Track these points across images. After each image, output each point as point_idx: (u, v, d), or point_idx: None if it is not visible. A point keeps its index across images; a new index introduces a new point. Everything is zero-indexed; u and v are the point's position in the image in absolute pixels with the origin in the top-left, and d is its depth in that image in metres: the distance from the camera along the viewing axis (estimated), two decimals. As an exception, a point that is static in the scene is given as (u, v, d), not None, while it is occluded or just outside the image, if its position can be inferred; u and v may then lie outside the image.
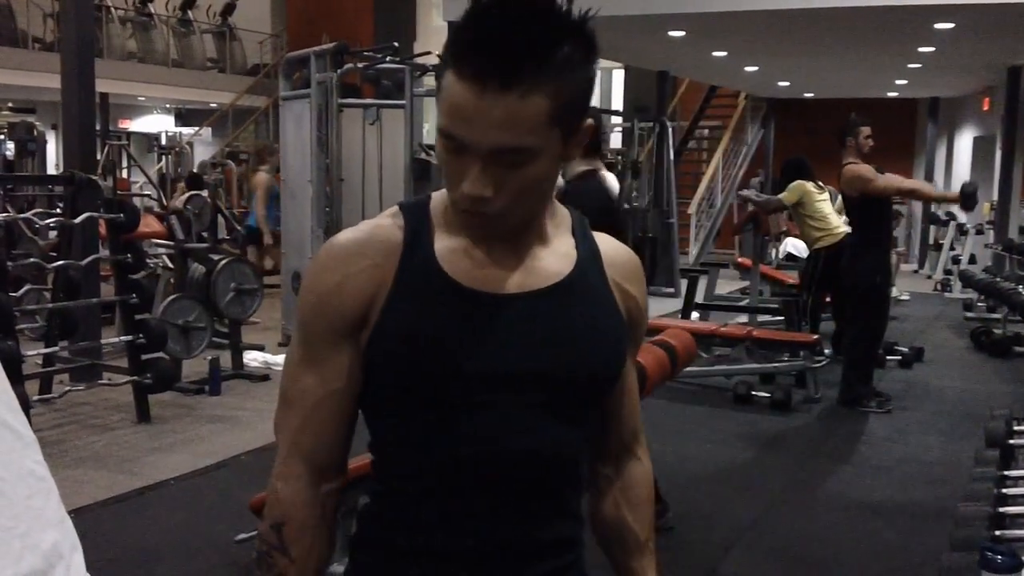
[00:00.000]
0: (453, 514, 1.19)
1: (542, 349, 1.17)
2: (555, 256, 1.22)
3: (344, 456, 1.24)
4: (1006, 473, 3.58)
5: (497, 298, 1.16)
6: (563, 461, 1.22)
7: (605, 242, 1.29)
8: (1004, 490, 3.39)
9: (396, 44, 8.23)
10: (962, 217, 13.69)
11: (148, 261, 7.96)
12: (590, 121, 1.15)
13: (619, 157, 12.90)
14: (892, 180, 6.04)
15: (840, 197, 6.78)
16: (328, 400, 1.19)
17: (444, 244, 1.17)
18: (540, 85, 1.05)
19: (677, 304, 8.81)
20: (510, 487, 1.19)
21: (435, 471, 1.18)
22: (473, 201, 1.10)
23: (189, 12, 17.50)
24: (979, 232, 12.71)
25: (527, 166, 1.09)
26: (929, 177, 17.18)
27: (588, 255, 1.24)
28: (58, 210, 7.04)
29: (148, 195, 13.84)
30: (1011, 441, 3.91)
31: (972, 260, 12.21)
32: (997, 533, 2.99)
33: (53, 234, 7.32)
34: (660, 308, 10.07)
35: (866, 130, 6.12)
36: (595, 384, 1.24)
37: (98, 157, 10.56)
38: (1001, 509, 3.19)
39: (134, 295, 5.61)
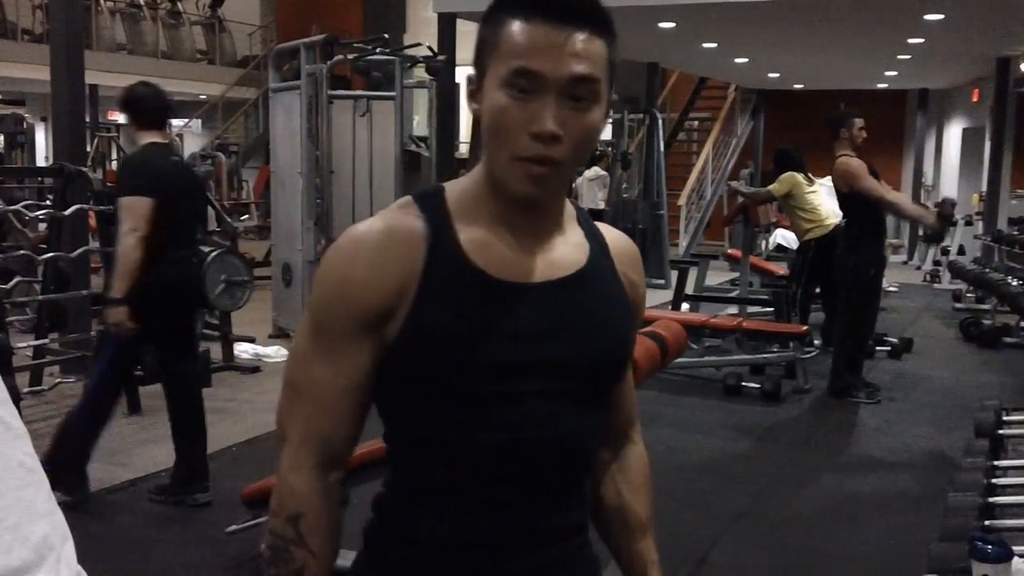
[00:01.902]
0: (477, 503, 1.20)
1: (568, 337, 1.20)
2: (570, 246, 1.24)
3: (353, 448, 1.24)
4: (995, 463, 3.59)
5: (524, 287, 1.18)
6: (585, 448, 1.27)
7: (608, 232, 1.33)
8: (994, 480, 3.40)
9: (386, 35, 8.20)
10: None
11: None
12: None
13: (609, 149, 12.91)
14: (879, 188, 6.02)
15: None
16: (344, 392, 1.18)
17: (467, 235, 1.17)
18: (601, 31, 1.13)
19: (667, 295, 8.82)
20: (534, 475, 1.21)
21: (461, 461, 1.19)
22: (546, 142, 1.11)
23: (178, 3, 17.44)
24: (968, 223, 12.75)
25: (590, 110, 1.14)
26: (919, 169, 17.23)
27: (597, 245, 1.28)
28: (48, 202, 7.01)
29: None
30: (1000, 431, 3.93)
31: (961, 251, 12.26)
32: (987, 523, 3.00)
33: (43, 226, 7.29)
34: (650, 299, 10.04)
35: (859, 122, 6.12)
36: (614, 371, 1.29)
37: (88, 149, 10.52)
38: (991, 499, 3.20)
39: (124, 287, 5.58)
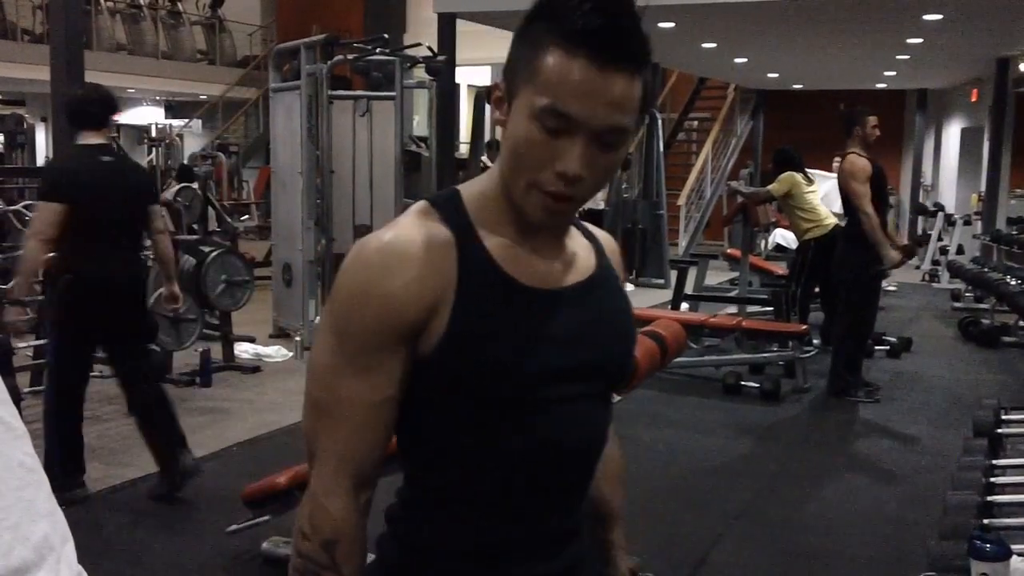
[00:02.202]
0: (510, 510, 1.20)
1: (594, 341, 1.22)
2: (582, 249, 1.26)
3: (382, 466, 1.20)
4: (994, 462, 3.60)
5: (551, 293, 1.19)
6: (602, 448, 1.29)
7: (596, 231, 1.34)
8: (992, 479, 3.41)
9: (386, 35, 8.19)
10: (950, 209, 13.73)
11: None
12: None
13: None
14: (863, 198, 5.98)
15: None
16: (378, 409, 1.14)
17: (491, 242, 1.16)
18: (643, 69, 1.10)
19: (667, 295, 8.82)
20: (562, 479, 1.23)
21: (496, 470, 1.18)
22: (568, 182, 1.10)
23: (178, 4, 17.44)
24: (967, 223, 12.76)
25: (617, 149, 1.12)
26: (918, 169, 17.23)
27: (596, 246, 1.30)
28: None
29: (138, 187, 13.81)
30: (999, 430, 3.94)
31: (960, 251, 12.26)
32: (986, 522, 3.01)
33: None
34: (650, 299, 10.07)
35: (872, 120, 6.11)
36: (628, 370, 1.32)
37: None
38: (989, 498, 3.21)
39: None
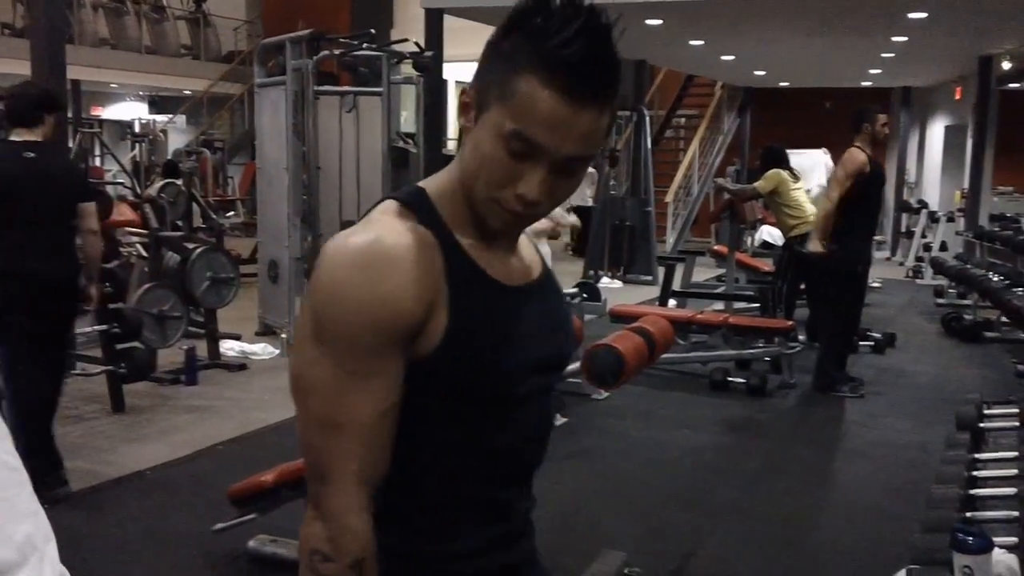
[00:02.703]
0: (488, 508, 1.23)
1: (550, 336, 1.26)
2: (528, 249, 1.30)
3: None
4: (977, 456, 3.62)
5: (519, 291, 1.22)
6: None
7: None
8: (975, 472, 3.43)
9: (373, 31, 8.18)
10: (934, 206, 13.81)
11: (122, 250, 7.90)
12: None
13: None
14: (835, 191, 6.03)
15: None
16: (384, 417, 1.12)
17: (464, 241, 1.17)
18: (611, 102, 1.12)
19: (654, 292, 8.84)
20: (528, 470, 1.27)
21: (476, 468, 1.20)
22: (527, 205, 1.12)
23: (162, -2, 17.35)
24: (950, 220, 12.83)
25: (577, 174, 1.15)
26: (902, 166, 17.31)
27: (535, 247, 1.34)
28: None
29: (122, 183, 13.72)
30: (982, 424, 3.95)
31: (943, 247, 12.33)
32: (968, 515, 3.02)
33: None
34: (638, 295, 10.09)
35: (883, 118, 6.10)
36: (568, 365, 1.38)
37: (71, 145, 10.46)
38: (972, 491, 3.22)
39: (108, 284, 5.56)
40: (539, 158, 1.10)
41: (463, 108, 1.16)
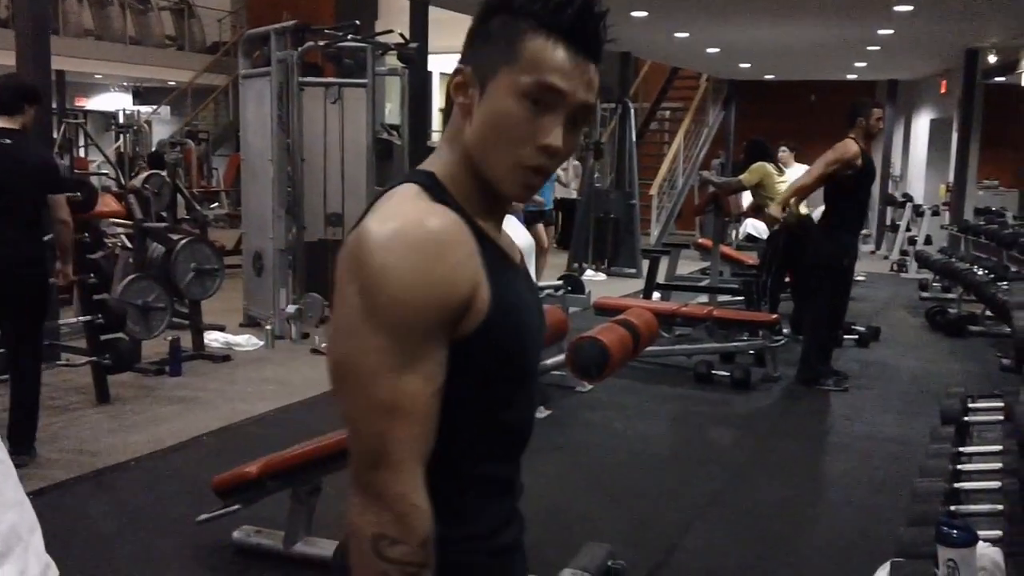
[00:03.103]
0: (506, 486, 1.27)
1: (541, 314, 1.33)
2: (507, 233, 1.33)
3: None
4: (961, 450, 3.64)
5: (523, 270, 1.29)
6: None
7: None
8: (959, 466, 3.45)
9: (358, 22, 8.15)
10: (919, 199, 13.87)
11: (106, 241, 7.85)
12: None
13: (582, 138, 12.93)
14: (812, 173, 6.15)
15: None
16: (436, 397, 1.13)
17: (478, 222, 1.21)
18: (600, 59, 1.22)
19: (639, 284, 8.85)
20: (527, 444, 1.31)
21: (493, 444, 1.24)
22: (550, 154, 1.18)
23: (147, -12, 17.22)
24: (935, 213, 12.89)
25: (581, 127, 1.23)
26: (887, 159, 17.38)
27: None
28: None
29: (106, 174, 13.65)
30: (966, 418, 3.98)
31: (928, 241, 12.39)
32: (953, 508, 3.04)
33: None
34: (622, 288, 10.11)
35: (878, 112, 6.09)
36: None
37: (55, 135, 10.38)
38: (956, 485, 3.24)
39: (92, 275, 5.54)
40: (557, 107, 1.17)
41: (459, 88, 1.20)
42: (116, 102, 20.43)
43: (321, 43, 7.77)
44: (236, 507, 3.53)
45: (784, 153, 9.66)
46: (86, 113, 18.28)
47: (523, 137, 1.16)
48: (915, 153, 16.62)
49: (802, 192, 6.24)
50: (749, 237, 11.99)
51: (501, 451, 1.25)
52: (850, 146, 5.97)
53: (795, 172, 9.40)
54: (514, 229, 1.19)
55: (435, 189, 1.19)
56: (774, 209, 6.27)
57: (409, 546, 1.12)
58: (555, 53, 1.16)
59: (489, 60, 1.17)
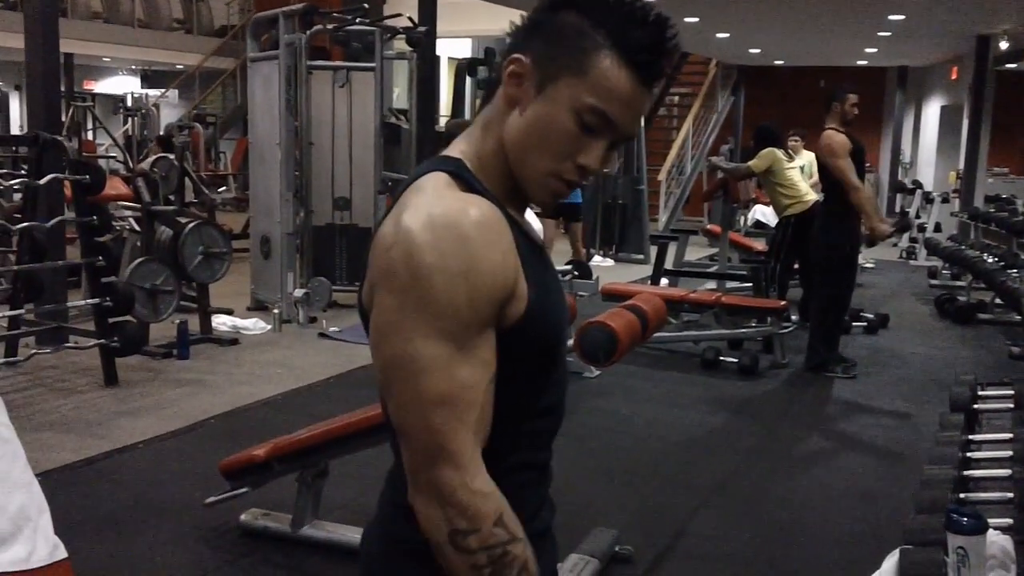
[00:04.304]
0: (541, 467, 1.28)
1: (564, 298, 1.31)
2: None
3: None
4: (971, 437, 3.63)
5: (546, 256, 1.28)
6: None
7: None
8: (969, 454, 3.44)
9: (366, 5, 8.12)
10: (928, 186, 13.80)
11: (114, 224, 7.86)
12: None
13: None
14: (849, 172, 6.01)
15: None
16: (491, 385, 1.12)
17: (509, 210, 1.20)
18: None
19: (647, 270, 8.83)
20: (559, 427, 1.31)
21: (533, 429, 1.24)
22: (585, 175, 1.19)
23: (155, -29, 17.16)
24: (945, 200, 12.83)
25: (614, 153, 1.24)
26: (897, 146, 17.31)
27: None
28: (23, 171, 6.92)
29: (114, 157, 13.67)
30: (976, 406, 3.96)
31: (938, 228, 12.33)
32: (962, 496, 3.03)
33: (18, 195, 7.20)
34: (630, 274, 10.10)
35: (853, 98, 6.12)
36: None
37: (63, 118, 10.39)
38: (966, 472, 3.23)
39: (100, 258, 5.54)
40: (606, 133, 1.16)
41: (513, 77, 1.17)
42: (124, 85, 20.44)
43: (329, 26, 7.75)
44: (244, 490, 3.53)
45: (796, 141, 9.64)
46: (94, 96, 18.30)
47: (567, 152, 1.16)
48: (925, 140, 16.53)
49: (870, 198, 6.20)
50: (758, 224, 11.96)
51: (538, 437, 1.26)
52: (837, 137, 6.03)
53: (804, 159, 9.39)
54: (529, 214, 1.21)
55: (465, 178, 1.17)
56: (886, 230, 6.25)
57: (483, 531, 1.10)
58: (622, 80, 1.14)
59: (553, 62, 1.15)
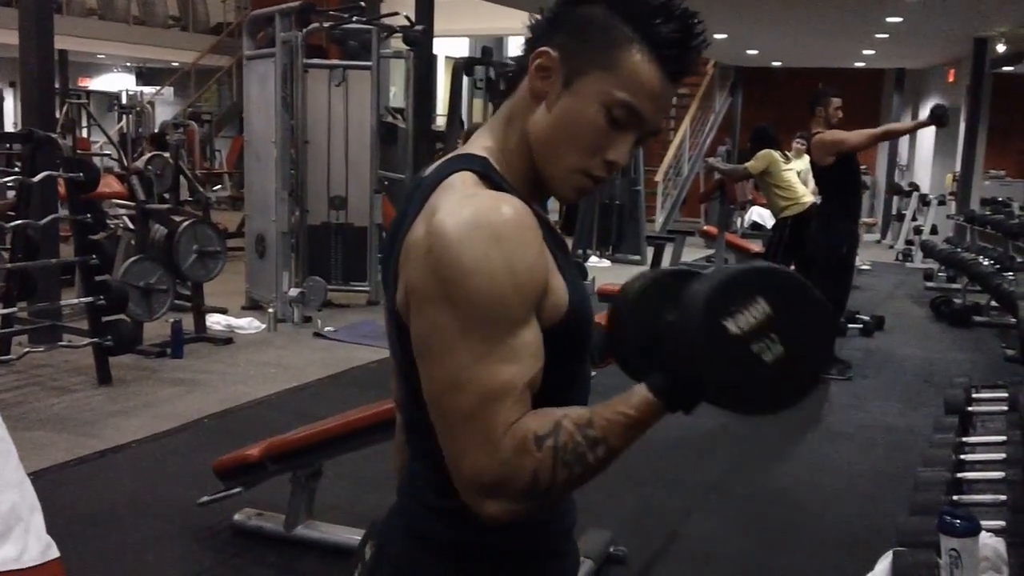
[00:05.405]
0: None
1: None
2: None
3: None
4: (964, 440, 3.63)
5: (569, 250, 1.27)
6: None
7: None
8: (963, 456, 3.44)
9: (363, 4, 8.12)
10: (925, 188, 13.83)
11: (108, 222, 7.84)
12: None
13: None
14: (862, 133, 6.08)
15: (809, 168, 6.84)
16: (537, 379, 1.11)
17: (533, 206, 1.19)
18: None
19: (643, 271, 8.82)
20: None
21: None
22: (612, 170, 1.18)
23: (151, -32, 17.12)
24: (941, 203, 12.85)
25: (638, 147, 1.23)
26: (893, 149, 17.32)
27: None
28: (16, 169, 6.90)
29: (108, 155, 13.63)
30: (970, 408, 3.97)
31: (934, 231, 12.35)
32: (955, 498, 3.03)
33: (11, 193, 7.19)
34: (626, 275, 10.02)
35: (836, 101, 6.13)
36: None
37: (57, 115, 10.37)
38: (959, 474, 3.24)
39: (94, 256, 5.53)
40: (634, 128, 1.16)
41: (540, 71, 1.16)
42: (119, 82, 20.37)
43: (326, 24, 7.74)
44: (237, 490, 3.52)
45: (800, 145, 9.64)
46: (89, 93, 18.24)
47: (594, 147, 1.15)
48: (922, 142, 16.55)
49: (910, 122, 6.29)
50: (754, 225, 11.98)
51: None
52: (827, 135, 6.07)
53: (801, 165, 9.40)
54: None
55: (491, 176, 1.16)
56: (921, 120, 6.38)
57: (570, 430, 1.13)
58: (652, 75, 1.13)
59: (581, 56, 1.14)
